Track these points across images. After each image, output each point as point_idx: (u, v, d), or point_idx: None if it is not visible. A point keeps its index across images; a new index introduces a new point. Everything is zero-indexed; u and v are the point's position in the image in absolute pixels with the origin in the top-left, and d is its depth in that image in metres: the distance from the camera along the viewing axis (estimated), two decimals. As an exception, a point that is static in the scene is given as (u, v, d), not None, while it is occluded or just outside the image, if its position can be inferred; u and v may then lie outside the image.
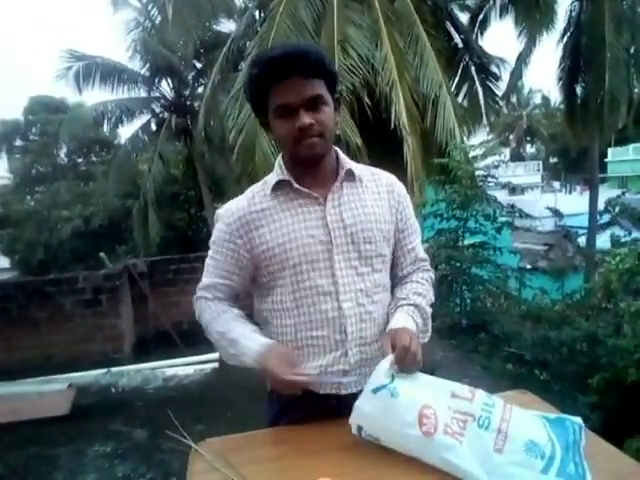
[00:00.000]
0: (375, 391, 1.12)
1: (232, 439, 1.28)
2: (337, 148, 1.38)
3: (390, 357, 1.17)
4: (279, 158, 1.37)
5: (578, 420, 1.14)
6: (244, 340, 1.30)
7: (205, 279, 1.42)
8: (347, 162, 1.36)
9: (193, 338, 5.57)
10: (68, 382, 4.66)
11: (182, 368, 5.03)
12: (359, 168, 1.38)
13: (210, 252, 1.41)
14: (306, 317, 1.30)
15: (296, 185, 1.30)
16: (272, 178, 1.34)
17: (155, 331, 5.87)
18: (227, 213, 1.36)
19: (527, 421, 1.11)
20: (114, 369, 4.99)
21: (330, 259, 1.29)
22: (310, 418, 1.29)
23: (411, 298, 1.38)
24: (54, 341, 5.33)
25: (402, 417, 1.08)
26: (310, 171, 1.31)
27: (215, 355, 5.10)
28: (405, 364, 1.17)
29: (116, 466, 3.31)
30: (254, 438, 1.30)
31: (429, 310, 1.42)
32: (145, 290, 5.85)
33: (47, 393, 4.46)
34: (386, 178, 1.42)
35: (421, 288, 1.42)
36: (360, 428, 1.15)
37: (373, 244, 1.32)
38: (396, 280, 1.45)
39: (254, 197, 1.35)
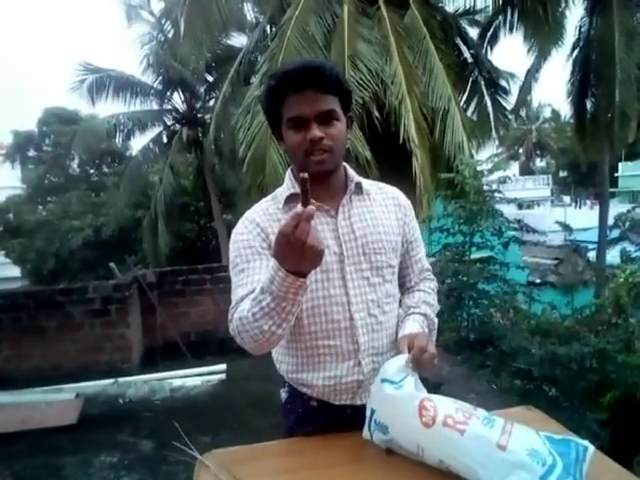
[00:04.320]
0: (383, 381, 1.17)
1: (238, 450, 1.29)
2: (345, 164, 1.41)
3: (405, 355, 1.21)
4: (289, 171, 1.40)
5: (585, 443, 1.11)
6: (264, 277, 1.15)
7: (240, 291, 1.25)
8: (356, 176, 1.39)
9: (201, 349, 5.62)
10: (76, 392, 4.68)
11: (189, 379, 5.04)
12: (366, 183, 1.42)
13: (235, 268, 1.30)
14: (319, 326, 1.32)
15: None
16: (283, 191, 1.36)
17: (163, 342, 5.89)
18: (244, 223, 1.35)
19: (529, 434, 1.10)
20: (122, 379, 5.01)
21: (342, 270, 1.31)
22: (326, 429, 1.32)
23: (421, 307, 1.42)
24: (63, 350, 5.36)
25: (404, 408, 1.12)
26: (320, 184, 1.31)
27: (222, 367, 5.12)
28: (421, 364, 1.20)
29: (122, 477, 3.31)
30: (261, 450, 1.30)
31: (436, 320, 1.46)
32: (154, 301, 5.88)
33: (55, 403, 4.48)
34: (391, 192, 1.46)
35: (429, 298, 1.47)
36: (373, 412, 1.19)
37: (383, 255, 1.35)
38: (403, 290, 1.49)
39: (268, 209, 1.36)
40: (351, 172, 1.39)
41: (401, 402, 1.13)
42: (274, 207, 1.35)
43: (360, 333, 1.32)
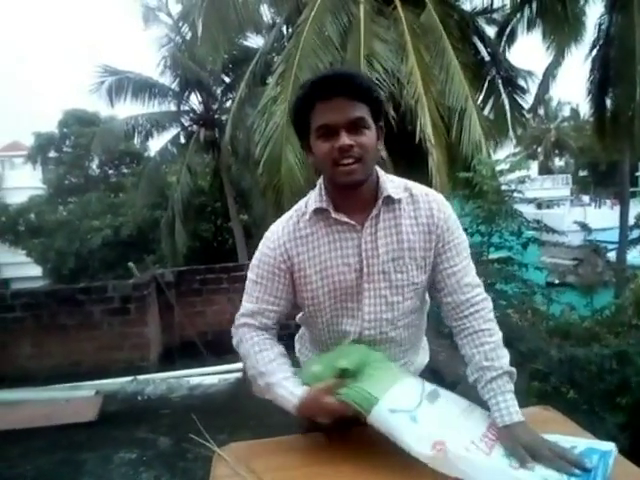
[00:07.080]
0: (393, 411, 1.12)
1: (256, 444, 1.30)
2: (379, 169, 1.34)
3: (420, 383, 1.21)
4: (321, 180, 1.34)
5: (609, 447, 1.07)
6: (280, 390, 1.27)
7: (249, 305, 1.37)
8: (387, 186, 1.29)
9: (218, 348, 5.64)
10: (95, 389, 4.75)
11: (207, 377, 5.08)
12: (398, 188, 1.32)
13: (252, 275, 1.37)
14: (332, 334, 1.37)
15: (334, 215, 1.28)
16: (312, 202, 1.32)
17: (181, 340, 5.94)
18: (272, 237, 1.34)
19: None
20: (140, 377, 5.06)
21: (360, 286, 1.30)
22: (343, 423, 1.29)
23: (497, 366, 1.24)
24: (83, 348, 5.44)
25: (415, 443, 1.08)
26: (349, 196, 1.28)
27: (239, 365, 5.14)
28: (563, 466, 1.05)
29: (141, 473, 3.36)
30: (278, 444, 1.31)
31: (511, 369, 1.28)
32: (172, 300, 5.94)
33: (75, 399, 4.55)
34: (424, 201, 1.33)
35: (496, 339, 1.29)
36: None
37: (405, 273, 1.30)
38: (444, 307, 1.36)
39: (299, 222, 1.33)
40: (383, 181, 1.30)
41: (413, 437, 1.08)
42: (305, 217, 1.32)
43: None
